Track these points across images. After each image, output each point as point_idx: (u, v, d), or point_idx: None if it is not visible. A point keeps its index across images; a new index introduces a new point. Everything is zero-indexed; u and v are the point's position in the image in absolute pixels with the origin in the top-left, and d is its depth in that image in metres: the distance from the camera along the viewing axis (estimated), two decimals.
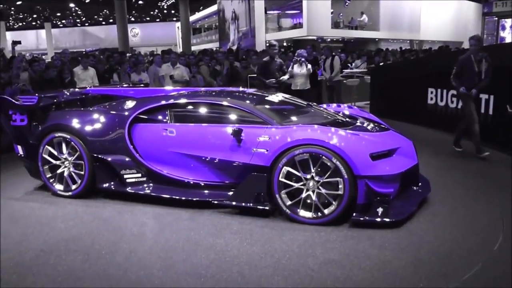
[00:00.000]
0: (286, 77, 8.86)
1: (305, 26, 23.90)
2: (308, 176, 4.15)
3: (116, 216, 4.56)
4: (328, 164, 4.04)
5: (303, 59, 9.27)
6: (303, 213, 4.17)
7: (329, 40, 27.85)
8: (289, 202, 4.21)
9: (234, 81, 11.59)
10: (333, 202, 4.09)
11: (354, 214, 4.03)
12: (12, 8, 34.69)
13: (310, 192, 4.17)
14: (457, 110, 8.00)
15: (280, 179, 4.19)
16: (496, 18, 34.21)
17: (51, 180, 5.22)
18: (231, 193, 4.53)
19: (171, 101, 5.01)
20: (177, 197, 4.65)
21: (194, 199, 4.60)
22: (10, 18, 42.34)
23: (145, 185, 4.90)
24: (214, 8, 34.52)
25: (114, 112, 5.12)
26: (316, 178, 4.13)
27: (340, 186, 4.03)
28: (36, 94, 5.44)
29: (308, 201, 4.19)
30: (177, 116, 4.93)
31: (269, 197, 4.33)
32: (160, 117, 4.97)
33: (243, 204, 4.36)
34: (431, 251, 3.59)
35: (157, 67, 10.20)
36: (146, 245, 3.88)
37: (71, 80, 8.64)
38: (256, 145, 4.35)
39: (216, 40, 34.29)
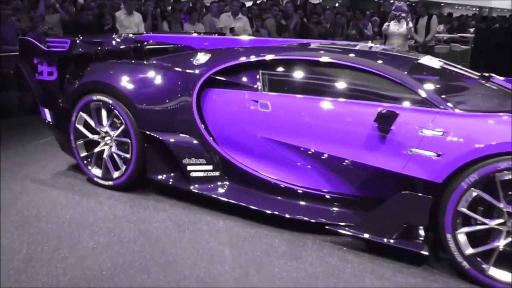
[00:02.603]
0: None
1: None
2: None
3: (173, 233, 2.78)
4: None
5: (403, 14, 7.00)
6: (497, 273, 2.21)
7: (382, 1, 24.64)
8: (470, 251, 2.25)
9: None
10: None
11: None
12: None
13: None
14: None
15: (459, 208, 2.21)
16: None
17: (86, 161, 3.43)
18: (344, 210, 2.66)
19: (266, 56, 3.00)
20: (269, 212, 2.77)
21: (296, 217, 2.70)
22: None
23: (218, 184, 3.07)
24: None
25: (178, 69, 3.23)
26: None
27: None
28: (70, 38, 3.56)
29: (501, 246, 2.22)
30: (274, 81, 2.99)
31: (426, 234, 2.38)
32: (246, 81, 3.02)
33: (380, 239, 2.42)
34: None
35: (213, 17, 8.03)
36: None
37: (112, 27, 6.58)
38: (417, 143, 2.37)
39: None
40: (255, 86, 2.98)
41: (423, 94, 2.53)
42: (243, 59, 3.05)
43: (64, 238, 2.68)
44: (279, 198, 2.88)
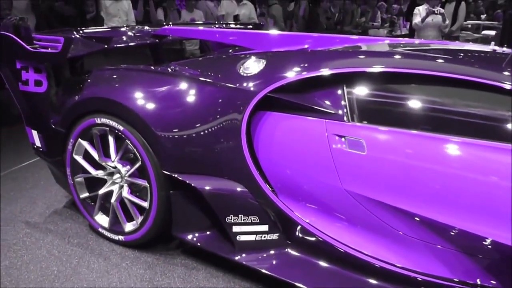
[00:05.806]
0: None
1: None
2: None
3: None
4: None
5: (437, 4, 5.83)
6: None
7: None
8: None
9: (309, 29, 8.10)
10: None
11: None
12: None
13: None
14: None
15: None
16: None
17: (88, 205, 2.30)
18: None
19: (366, 67, 1.81)
20: None
21: None
22: None
23: (276, 253, 1.96)
24: None
25: (218, 82, 2.03)
26: None
27: None
28: (64, 34, 2.36)
29: None
30: (372, 106, 1.79)
31: None
32: (324, 104, 1.83)
33: None
34: None
35: (208, 2, 6.69)
36: None
37: (96, 15, 5.08)
38: None
39: None
40: (339, 113, 1.81)
41: None
42: (321, 70, 1.86)
43: None
44: (375, 283, 1.76)
